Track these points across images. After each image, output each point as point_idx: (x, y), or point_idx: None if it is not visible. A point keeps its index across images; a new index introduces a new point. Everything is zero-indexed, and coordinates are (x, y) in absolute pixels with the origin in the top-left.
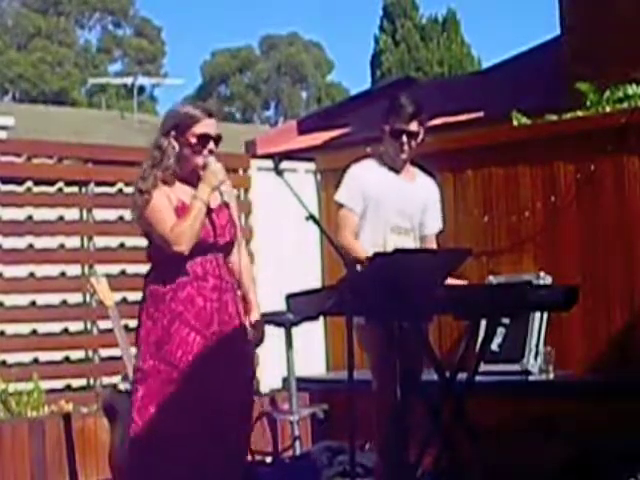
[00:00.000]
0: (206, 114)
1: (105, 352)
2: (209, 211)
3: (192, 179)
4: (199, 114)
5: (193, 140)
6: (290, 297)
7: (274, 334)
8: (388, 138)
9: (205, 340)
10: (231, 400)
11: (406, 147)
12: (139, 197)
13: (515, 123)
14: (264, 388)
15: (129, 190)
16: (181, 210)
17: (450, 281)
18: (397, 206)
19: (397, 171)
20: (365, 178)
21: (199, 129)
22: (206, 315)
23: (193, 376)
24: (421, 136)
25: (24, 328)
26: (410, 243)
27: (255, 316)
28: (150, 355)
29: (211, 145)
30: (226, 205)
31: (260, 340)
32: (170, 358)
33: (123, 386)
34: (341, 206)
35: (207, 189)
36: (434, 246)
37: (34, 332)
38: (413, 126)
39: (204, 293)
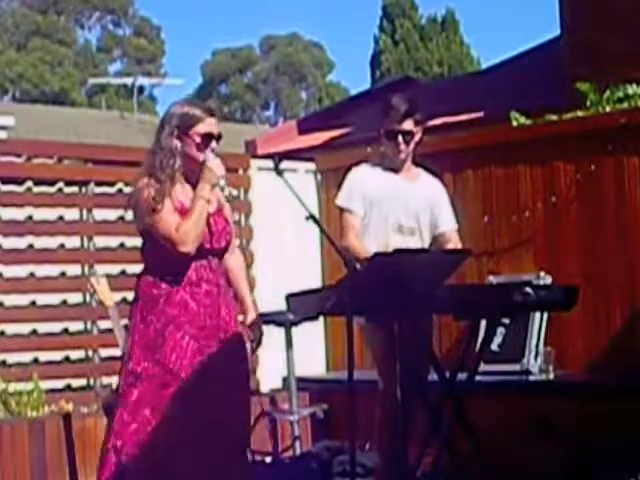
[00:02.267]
0: (208, 113)
1: (105, 352)
2: (207, 216)
3: (191, 179)
4: (201, 113)
5: (197, 139)
6: (290, 297)
7: (274, 334)
8: (384, 140)
9: (199, 345)
10: (229, 404)
11: (403, 147)
12: (155, 203)
13: (514, 124)
14: (264, 388)
15: (129, 190)
16: (179, 211)
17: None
18: (399, 206)
19: (397, 172)
20: (365, 181)
21: (203, 128)
22: (200, 320)
23: (189, 381)
24: (418, 135)
25: (24, 328)
26: (415, 243)
27: (252, 316)
28: (143, 358)
29: (213, 144)
30: (220, 207)
31: (259, 340)
32: (164, 361)
33: None
34: (342, 210)
35: (207, 186)
36: (456, 243)
37: (34, 332)
38: (407, 125)
39: (197, 298)
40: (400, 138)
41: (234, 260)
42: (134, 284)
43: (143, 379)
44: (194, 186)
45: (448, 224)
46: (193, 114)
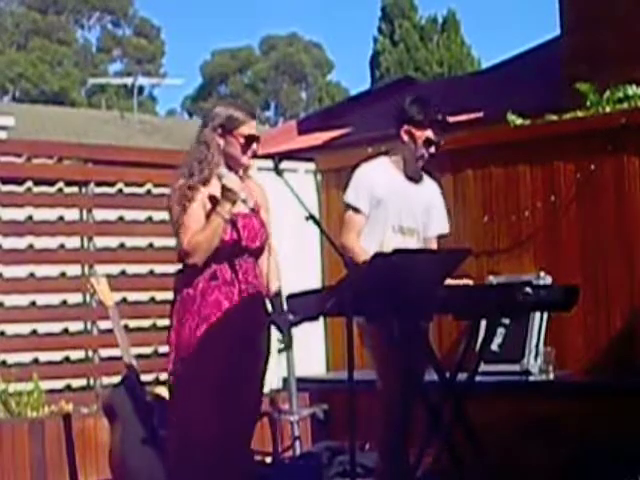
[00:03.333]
0: (251, 116)
1: (105, 352)
2: (242, 216)
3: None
4: (245, 116)
5: (242, 140)
6: (290, 297)
7: (274, 334)
8: (414, 143)
9: (231, 344)
10: (245, 403)
11: (426, 155)
12: (189, 192)
13: (511, 125)
14: (264, 388)
15: (129, 190)
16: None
17: (451, 281)
18: (403, 207)
19: (408, 175)
20: (373, 179)
21: (246, 130)
22: (232, 319)
23: (221, 381)
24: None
25: (24, 328)
26: (414, 244)
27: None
28: (179, 358)
29: (254, 146)
30: (255, 208)
31: (289, 340)
32: (197, 360)
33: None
34: (348, 207)
35: (227, 206)
36: (433, 247)
37: (34, 332)
38: (440, 137)
39: (231, 297)
40: (433, 149)
41: (270, 261)
42: (135, 284)
43: (178, 378)
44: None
45: (435, 230)
46: (237, 116)
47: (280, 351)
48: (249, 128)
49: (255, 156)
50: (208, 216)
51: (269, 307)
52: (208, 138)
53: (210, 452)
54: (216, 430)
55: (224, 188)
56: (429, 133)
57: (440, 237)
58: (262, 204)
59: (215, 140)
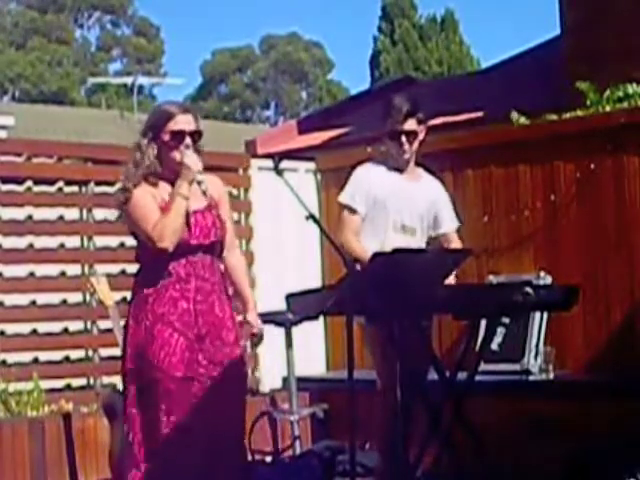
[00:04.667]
0: (181, 110)
1: (105, 352)
2: (194, 212)
3: (174, 178)
4: (173, 110)
5: (166, 137)
6: (290, 297)
7: (274, 334)
8: (388, 140)
9: (189, 342)
10: (222, 402)
11: (406, 147)
12: (121, 195)
13: (515, 124)
14: (264, 388)
15: (114, 190)
16: (165, 210)
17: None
18: (402, 206)
19: (401, 172)
20: (370, 180)
21: (173, 126)
22: (190, 317)
23: (181, 379)
24: (422, 134)
25: (24, 328)
26: (415, 243)
27: (252, 315)
28: (135, 356)
29: (187, 141)
30: (211, 204)
31: (259, 338)
32: (153, 359)
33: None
34: (344, 207)
35: (185, 184)
36: (457, 243)
37: (34, 332)
38: (409, 125)
39: (187, 295)
40: (403, 138)
41: (235, 259)
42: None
43: (134, 378)
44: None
45: (449, 224)
46: (163, 113)
47: (252, 349)
48: (175, 123)
49: (254, 156)
50: (162, 209)
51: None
52: (141, 142)
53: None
54: (181, 430)
55: (183, 166)
56: (390, 126)
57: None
58: (220, 199)
59: (146, 145)
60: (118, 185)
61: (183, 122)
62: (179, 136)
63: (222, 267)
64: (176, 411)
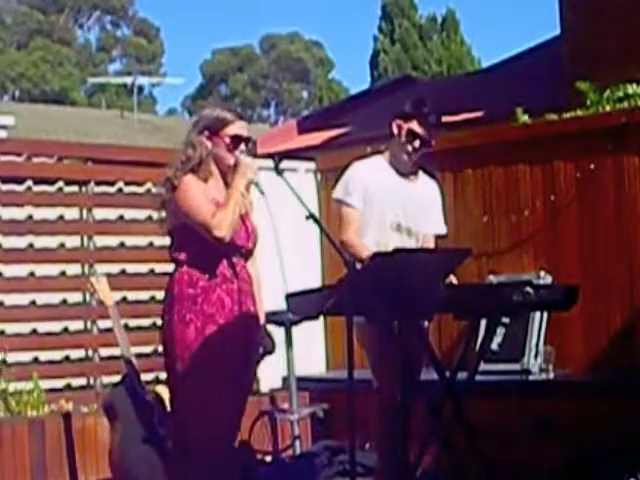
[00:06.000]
0: (238, 116)
1: (105, 351)
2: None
3: (224, 179)
4: (231, 116)
5: (227, 140)
6: (290, 296)
7: (274, 333)
8: (400, 136)
9: (233, 340)
10: (241, 399)
11: (412, 151)
12: (168, 184)
13: (515, 122)
14: (264, 387)
15: (129, 190)
16: (218, 205)
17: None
18: (399, 205)
19: (399, 171)
20: (365, 176)
21: (232, 130)
22: (233, 316)
23: (232, 376)
24: (429, 149)
25: (24, 327)
26: (413, 243)
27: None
28: (187, 357)
29: (242, 146)
30: (248, 212)
31: (271, 348)
32: (207, 359)
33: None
34: (340, 203)
35: (242, 180)
36: (431, 246)
37: (34, 331)
38: (430, 134)
39: (232, 295)
40: (417, 142)
41: (253, 269)
42: (135, 283)
43: (189, 377)
44: (227, 186)
45: (432, 229)
46: (224, 117)
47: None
48: (236, 128)
49: (255, 156)
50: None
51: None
52: (194, 140)
53: (222, 447)
54: (228, 426)
55: (242, 163)
56: (414, 125)
57: (437, 238)
58: (248, 208)
59: (202, 142)
60: (167, 181)
61: (241, 128)
62: (237, 140)
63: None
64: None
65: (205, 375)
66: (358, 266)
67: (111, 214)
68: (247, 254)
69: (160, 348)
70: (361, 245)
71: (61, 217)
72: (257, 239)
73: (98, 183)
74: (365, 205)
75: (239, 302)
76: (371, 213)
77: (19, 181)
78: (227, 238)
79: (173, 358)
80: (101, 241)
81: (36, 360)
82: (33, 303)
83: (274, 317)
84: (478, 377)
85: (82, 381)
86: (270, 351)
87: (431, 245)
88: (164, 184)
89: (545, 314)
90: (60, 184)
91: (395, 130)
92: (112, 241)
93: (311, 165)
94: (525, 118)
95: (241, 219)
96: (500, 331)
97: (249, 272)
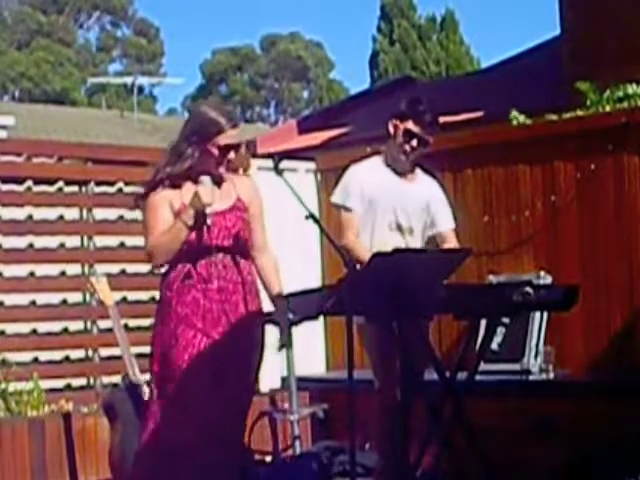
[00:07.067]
0: (231, 125)
1: (105, 351)
2: (215, 214)
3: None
4: (224, 125)
5: (215, 151)
6: (290, 297)
7: (274, 333)
8: (397, 135)
9: (212, 341)
10: (232, 399)
11: (408, 149)
12: (141, 201)
13: (514, 123)
14: (264, 388)
15: (129, 189)
16: (182, 211)
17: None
18: (397, 205)
19: (397, 171)
20: (363, 179)
21: (222, 140)
22: (213, 317)
23: (198, 376)
24: (426, 149)
25: (24, 327)
26: (413, 243)
27: (278, 316)
28: (160, 358)
29: (231, 155)
30: (237, 205)
31: (281, 344)
32: (177, 361)
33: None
34: (338, 207)
35: (191, 211)
36: (454, 242)
37: (34, 331)
38: (427, 133)
39: (210, 295)
40: (415, 142)
41: (264, 259)
42: (135, 283)
43: (158, 379)
44: (218, 185)
45: (446, 224)
46: (217, 123)
47: (279, 349)
48: (226, 138)
49: (255, 156)
50: (175, 214)
51: (270, 307)
52: (182, 147)
53: (182, 449)
54: (192, 429)
55: (195, 195)
56: (410, 124)
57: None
58: (251, 201)
59: (189, 155)
60: (144, 186)
61: (232, 137)
62: (225, 151)
63: (252, 267)
64: (189, 410)
65: (176, 377)
66: (358, 267)
67: (111, 214)
68: (233, 249)
69: None
70: (362, 248)
71: (61, 217)
72: (246, 232)
73: (98, 183)
74: (364, 207)
75: (220, 302)
76: (371, 215)
77: (19, 181)
78: (157, 266)
79: (151, 361)
80: (101, 241)
81: (36, 360)
82: (33, 303)
83: (274, 317)
84: (478, 377)
85: (82, 381)
86: (284, 344)
87: (452, 242)
88: (135, 200)
89: (545, 314)
90: (60, 184)
91: (392, 130)
92: (112, 241)
93: (311, 165)
94: (521, 119)
95: (222, 216)
96: (500, 331)
97: (242, 268)
